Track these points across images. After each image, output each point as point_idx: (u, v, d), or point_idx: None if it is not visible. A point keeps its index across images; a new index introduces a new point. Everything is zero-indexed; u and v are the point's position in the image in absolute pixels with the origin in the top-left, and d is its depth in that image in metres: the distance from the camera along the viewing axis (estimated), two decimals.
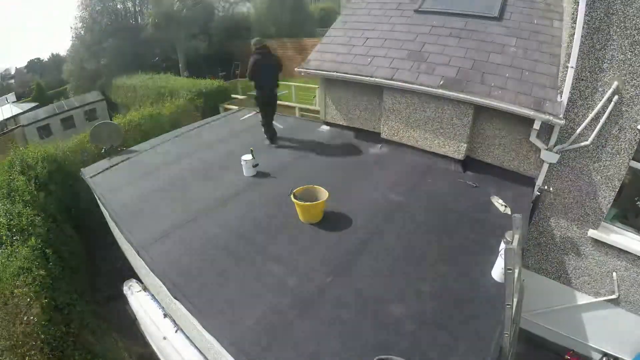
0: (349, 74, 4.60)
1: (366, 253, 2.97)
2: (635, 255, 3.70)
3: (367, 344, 2.18)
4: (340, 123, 5.41)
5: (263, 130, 5.20)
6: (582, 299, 4.20)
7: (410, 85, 4.15)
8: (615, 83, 3.27)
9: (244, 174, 4.29)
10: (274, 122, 5.30)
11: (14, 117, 16.50)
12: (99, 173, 4.98)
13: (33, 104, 19.81)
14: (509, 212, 3.39)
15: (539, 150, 3.82)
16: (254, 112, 7.00)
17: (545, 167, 3.88)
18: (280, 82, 5.19)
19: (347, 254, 2.96)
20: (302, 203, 3.26)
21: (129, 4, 20.77)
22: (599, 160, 3.61)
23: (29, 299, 3.36)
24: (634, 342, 3.99)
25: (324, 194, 3.33)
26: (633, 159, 3.50)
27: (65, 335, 3.45)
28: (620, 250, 3.76)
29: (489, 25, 4.30)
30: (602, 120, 3.41)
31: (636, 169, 3.58)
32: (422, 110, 4.35)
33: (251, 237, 3.23)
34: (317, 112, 7.72)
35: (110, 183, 4.62)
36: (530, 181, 3.98)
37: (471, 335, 2.23)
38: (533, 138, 3.76)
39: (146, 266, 3.05)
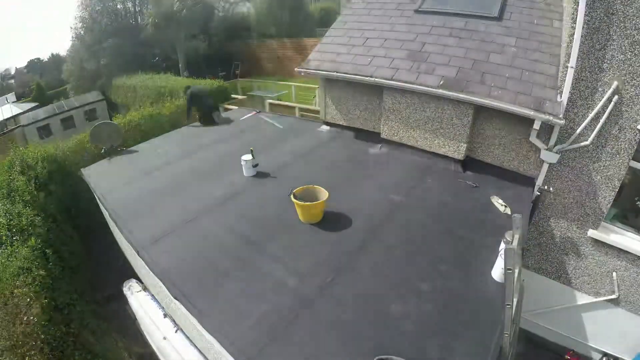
0: (349, 74, 4.60)
1: (366, 253, 2.97)
2: (635, 255, 3.70)
3: (367, 344, 2.18)
4: (340, 123, 5.41)
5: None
6: (582, 299, 4.20)
7: (410, 85, 4.15)
8: (615, 83, 3.27)
9: (244, 174, 4.29)
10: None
11: (14, 117, 16.51)
12: (99, 173, 4.98)
13: (33, 104, 19.83)
14: (509, 212, 3.39)
15: (539, 150, 3.82)
16: (254, 112, 7.01)
17: (545, 167, 3.88)
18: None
19: (346, 253, 2.96)
20: (302, 203, 3.26)
21: (129, 4, 20.78)
22: (598, 160, 3.61)
23: (29, 299, 3.36)
24: (634, 342, 4.00)
25: (323, 194, 3.33)
26: (633, 159, 3.50)
27: (65, 335, 3.45)
28: (620, 250, 3.76)
29: (489, 25, 4.30)
30: (602, 120, 3.42)
31: (636, 169, 3.58)
32: (422, 110, 4.35)
33: (251, 237, 3.23)
34: (317, 112, 7.72)
35: (110, 183, 4.62)
36: (530, 181, 3.99)
37: (471, 335, 2.23)
38: (533, 138, 3.77)
39: (146, 266, 3.05)
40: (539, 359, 4.50)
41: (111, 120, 8.95)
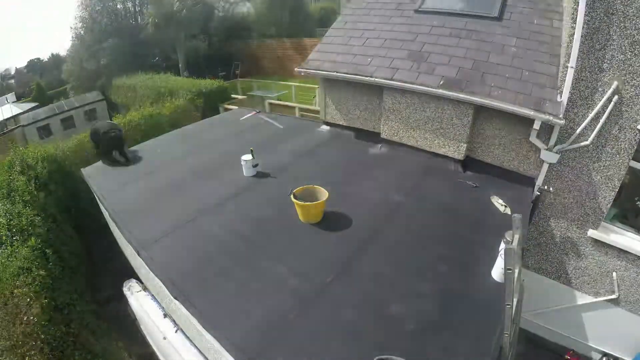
0: (349, 74, 4.60)
1: (366, 253, 2.97)
2: (635, 255, 3.70)
3: (367, 344, 2.18)
4: (340, 123, 5.41)
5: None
6: (582, 299, 4.20)
7: (410, 85, 4.15)
8: (615, 83, 3.27)
9: (244, 174, 4.29)
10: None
11: (14, 117, 16.49)
12: (99, 173, 4.98)
13: (33, 104, 19.80)
14: (509, 212, 3.39)
15: (539, 150, 3.82)
16: (254, 112, 7.01)
17: (545, 167, 3.88)
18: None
19: (347, 254, 2.96)
20: (303, 203, 3.26)
21: (129, 4, 20.76)
22: (598, 160, 3.61)
23: (29, 299, 3.36)
24: (634, 342, 4.00)
25: (323, 194, 3.33)
26: (633, 159, 3.50)
27: (65, 335, 3.45)
28: (620, 250, 3.76)
29: (489, 25, 4.30)
30: (602, 120, 3.42)
31: (636, 169, 3.58)
32: (422, 110, 4.35)
33: (251, 237, 3.23)
34: (317, 112, 7.72)
35: (110, 183, 4.61)
36: (530, 181, 3.98)
37: (471, 335, 2.23)
38: (533, 138, 3.77)
39: (146, 266, 3.05)
40: (539, 359, 4.50)
41: (111, 120, 8.95)
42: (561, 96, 3.46)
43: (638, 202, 3.79)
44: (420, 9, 4.92)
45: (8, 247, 3.92)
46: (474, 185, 3.93)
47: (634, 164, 3.54)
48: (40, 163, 5.95)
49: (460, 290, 2.58)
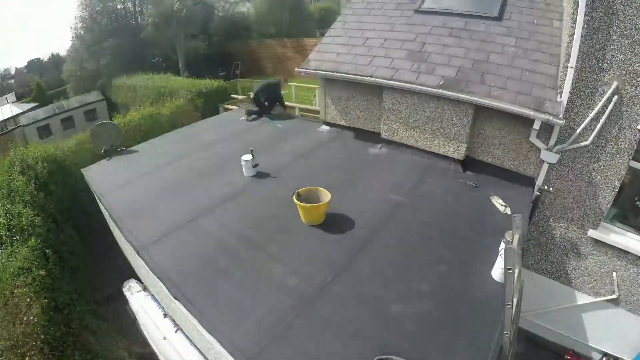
0: (349, 74, 4.60)
1: (366, 253, 2.97)
2: (635, 255, 3.70)
3: (367, 344, 2.18)
4: (340, 123, 5.41)
5: None
6: (582, 299, 4.20)
7: (410, 85, 4.15)
8: (615, 83, 3.27)
9: (244, 174, 4.29)
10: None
11: (14, 117, 16.52)
12: (99, 173, 4.98)
13: (33, 104, 19.83)
14: (509, 212, 3.39)
15: (539, 150, 3.82)
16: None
17: (545, 167, 3.88)
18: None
19: (347, 254, 2.96)
20: (305, 205, 3.25)
21: (129, 4, 20.80)
22: (598, 160, 3.61)
23: (29, 299, 3.37)
24: (634, 342, 4.00)
25: (326, 195, 3.32)
26: (633, 159, 3.50)
27: (65, 335, 3.45)
28: (620, 250, 3.76)
29: (489, 25, 4.30)
30: (602, 120, 3.41)
31: (636, 169, 3.58)
32: (422, 110, 4.35)
33: (251, 237, 3.23)
34: (317, 112, 7.72)
35: (110, 183, 4.61)
36: (530, 181, 3.99)
37: (471, 335, 2.23)
38: (533, 138, 3.77)
39: (146, 266, 3.05)
40: (539, 359, 4.50)
41: (111, 120, 8.96)
42: (561, 96, 3.46)
43: (638, 202, 3.79)
44: (420, 9, 4.92)
45: (8, 247, 3.93)
46: (474, 185, 3.93)
47: (633, 164, 3.54)
48: (40, 163, 5.95)
49: (460, 290, 2.58)
